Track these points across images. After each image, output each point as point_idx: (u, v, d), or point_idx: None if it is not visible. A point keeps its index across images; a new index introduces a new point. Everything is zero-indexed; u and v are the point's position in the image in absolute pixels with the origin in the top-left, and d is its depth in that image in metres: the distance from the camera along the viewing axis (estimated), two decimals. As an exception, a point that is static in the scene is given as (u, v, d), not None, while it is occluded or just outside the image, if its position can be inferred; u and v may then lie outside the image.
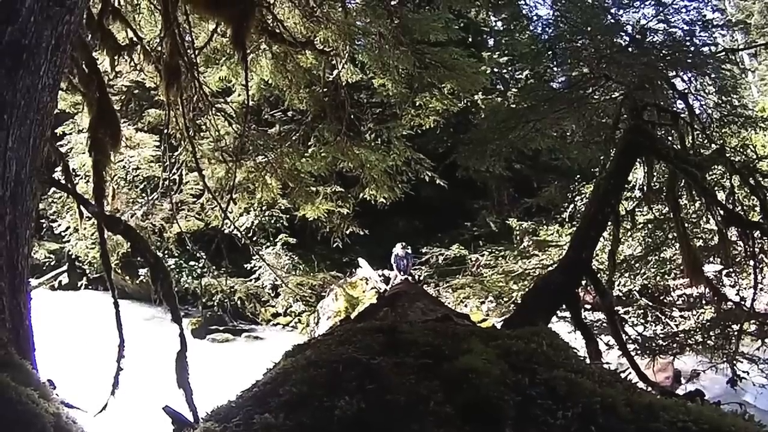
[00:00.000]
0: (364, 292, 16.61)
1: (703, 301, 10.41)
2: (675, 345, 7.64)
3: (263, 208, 13.34)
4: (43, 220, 16.44)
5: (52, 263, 19.47)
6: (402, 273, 14.85)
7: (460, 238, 19.51)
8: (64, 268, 19.64)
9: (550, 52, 7.62)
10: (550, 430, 0.99)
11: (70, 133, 9.40)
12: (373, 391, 1.08)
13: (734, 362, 6.75)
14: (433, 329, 1.51)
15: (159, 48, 6.21)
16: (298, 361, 1.25)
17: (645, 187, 6.77)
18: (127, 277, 17.18)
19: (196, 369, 4.66)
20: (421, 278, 16.83)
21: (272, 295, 18.46)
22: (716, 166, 6.43)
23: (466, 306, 15.47)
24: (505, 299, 14.58)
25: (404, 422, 1.00)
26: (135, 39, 6.21)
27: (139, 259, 11.03)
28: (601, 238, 6.48)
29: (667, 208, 6.94)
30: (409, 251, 15.48)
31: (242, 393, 1.27)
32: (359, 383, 1.11)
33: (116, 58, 6.09)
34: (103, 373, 4.98)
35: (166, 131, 7.52)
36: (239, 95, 9.66)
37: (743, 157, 6.66)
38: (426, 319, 2.05)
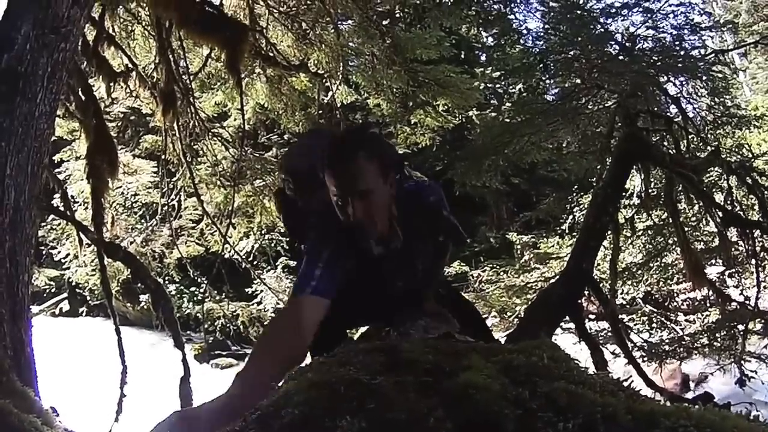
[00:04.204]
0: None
1: (708, 304, 10.34)
2: (681, 349, 7.58)
3: (263, 231, 13.25)
4: (42, 247, 16.37)
5: (53, 290, 19.35)
6: None
7: (460, 255, 19.38)
8: (65, 295, 19.54)
9: (541, 65, 7.65)
10: (551, 442, 0.99)
11: (68, 160, 9.40)
12: (374, 410, 1.08)
13: (742, 362, 6.71)
14: (433, 347, 1.50)
15: (154, 74, 6.26)
16: (300, 383, 1.25)
17: (643, 194, 6.79)
18: (128, 304, 17.10)
19: (200, 395, 4.64)
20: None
21: (275, 318, 18.35)
22: (713, 168, 6.45)
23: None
24: (508, 314, 14.49)
25: (405, 440, 1.00)
26: (130, 65, 6.26)
27: (139, 285, 11.05)
28: (602, 247, 6.49)
29: (666, 214, 6.95)
30: None
31: (245, 417, 1.26)
32: (360, 403, 1.11)
33: (112, 84, 6.13)
34: (106, 399, 4.97)
35: (163, 157, 7.57)
36: (235, 119, 9.70)
37: (739, 156, 6.70)
38: (427, 337, 2.05)
